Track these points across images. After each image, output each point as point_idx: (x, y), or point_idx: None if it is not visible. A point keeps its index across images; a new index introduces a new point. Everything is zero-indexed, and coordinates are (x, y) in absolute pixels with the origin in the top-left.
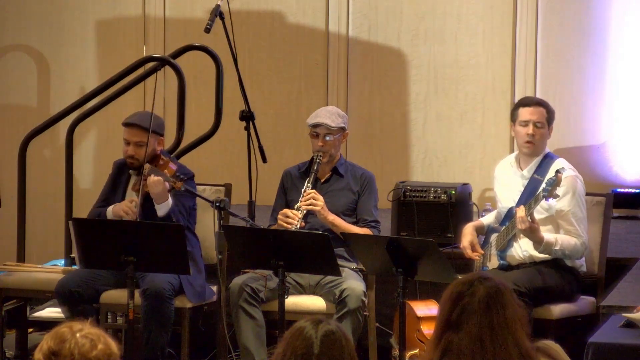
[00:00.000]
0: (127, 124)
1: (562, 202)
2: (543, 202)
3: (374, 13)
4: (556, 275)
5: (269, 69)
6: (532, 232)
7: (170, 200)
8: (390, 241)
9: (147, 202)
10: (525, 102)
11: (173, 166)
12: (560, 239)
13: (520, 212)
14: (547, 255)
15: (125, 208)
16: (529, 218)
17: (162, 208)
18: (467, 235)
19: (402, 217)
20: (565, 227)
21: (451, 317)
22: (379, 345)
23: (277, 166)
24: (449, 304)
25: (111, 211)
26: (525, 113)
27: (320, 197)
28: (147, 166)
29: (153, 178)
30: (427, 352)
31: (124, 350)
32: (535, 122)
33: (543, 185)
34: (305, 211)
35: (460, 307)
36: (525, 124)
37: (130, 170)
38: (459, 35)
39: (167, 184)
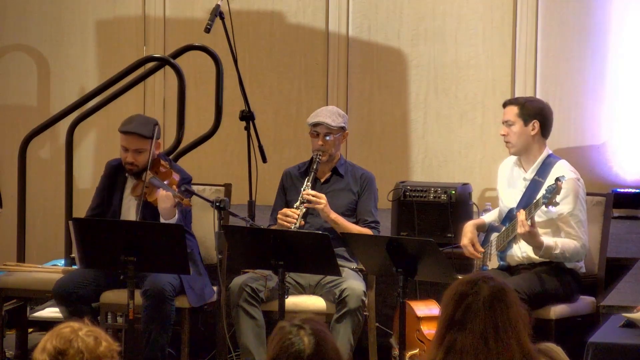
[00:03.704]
0: (124, 132)
1: (562, 204)
2: (543, 208)
3: (374, 13)
4: (555, 278)
5: (269, 69)
6: (531, 237)
7: (177, 217)
8: (390, 241)
9: (146, 209)
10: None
11: (176, 176)
12: (560, 242)
13: (521, 216)
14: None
15: None
16: (529, 222)
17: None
18: (468, 233)
19: (402, 217)
20: (565, 229)
21: (455, 316)
22: (379, 345)
23: (277, 166)
24: (452, 304)
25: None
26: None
27: (322, 195)
28: (148, 173)
29: (163, 193)
30: (429, 351)
31: (124, 350)
32: (505, 122)
33: (543, 192)
34: (304, 210)
35: (464, 307)
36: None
37: (127, 174)
38: (459, 35)
39: (174, 198)
